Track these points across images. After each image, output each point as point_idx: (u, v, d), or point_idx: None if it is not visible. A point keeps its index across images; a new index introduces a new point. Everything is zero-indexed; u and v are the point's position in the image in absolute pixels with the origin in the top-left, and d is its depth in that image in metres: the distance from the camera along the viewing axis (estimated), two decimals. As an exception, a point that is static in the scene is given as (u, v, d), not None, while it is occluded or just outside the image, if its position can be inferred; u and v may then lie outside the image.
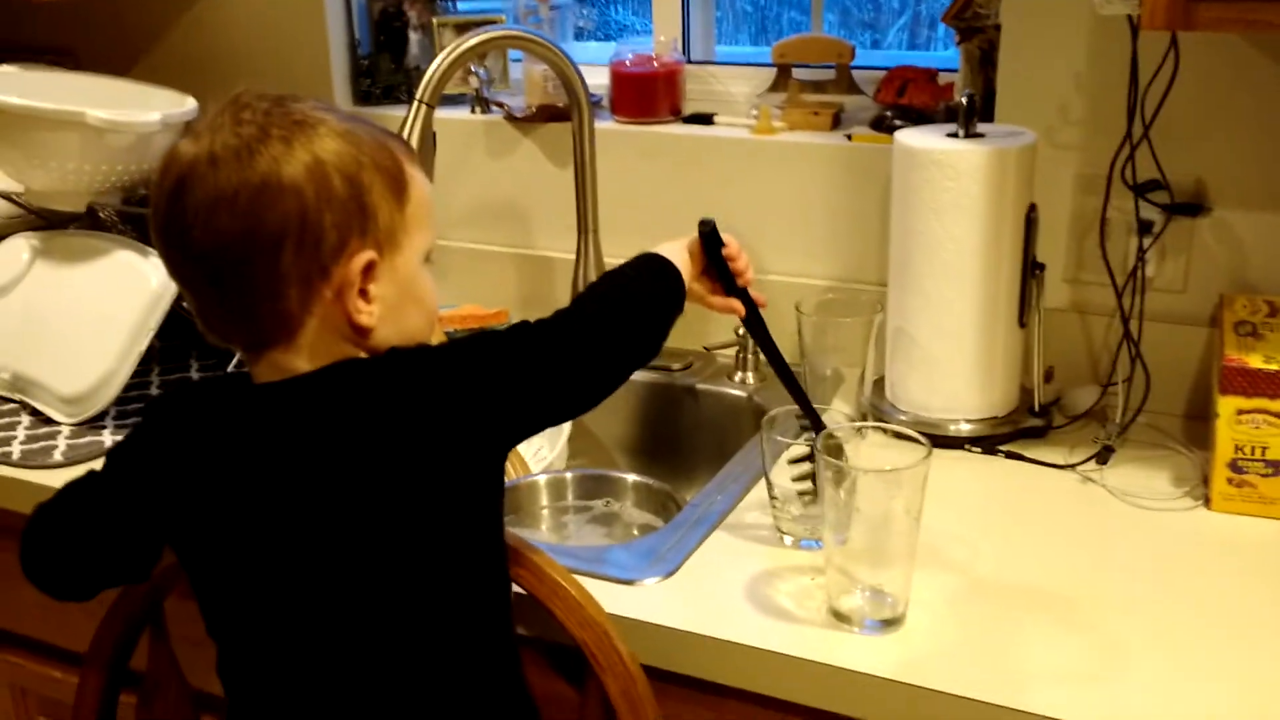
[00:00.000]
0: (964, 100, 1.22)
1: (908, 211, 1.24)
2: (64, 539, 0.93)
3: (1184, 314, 1.32)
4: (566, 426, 1.45)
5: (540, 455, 1.53)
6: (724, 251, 1.08)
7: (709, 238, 1.07)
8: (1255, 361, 1.09)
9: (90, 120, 1.39)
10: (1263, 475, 1.10)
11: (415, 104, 1.34)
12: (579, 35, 1.96)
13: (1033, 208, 1.24)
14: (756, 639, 0.95)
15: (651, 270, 1.03)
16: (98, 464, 0.94)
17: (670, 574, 1.04)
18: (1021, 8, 1.32)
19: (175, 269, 0.87)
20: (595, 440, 1.55)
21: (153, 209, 0.85)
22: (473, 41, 1.37)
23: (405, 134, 1.34)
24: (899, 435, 0.98)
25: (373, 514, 0.84)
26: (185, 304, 0.90)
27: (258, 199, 0.81)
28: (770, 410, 1.38)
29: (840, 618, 0.96)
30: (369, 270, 0.85)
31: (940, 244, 1.22)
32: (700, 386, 1.49)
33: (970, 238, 1.21)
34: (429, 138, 1.36)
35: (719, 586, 1.03)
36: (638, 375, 1.51)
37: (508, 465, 1.47)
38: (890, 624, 0.95)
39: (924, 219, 1.23)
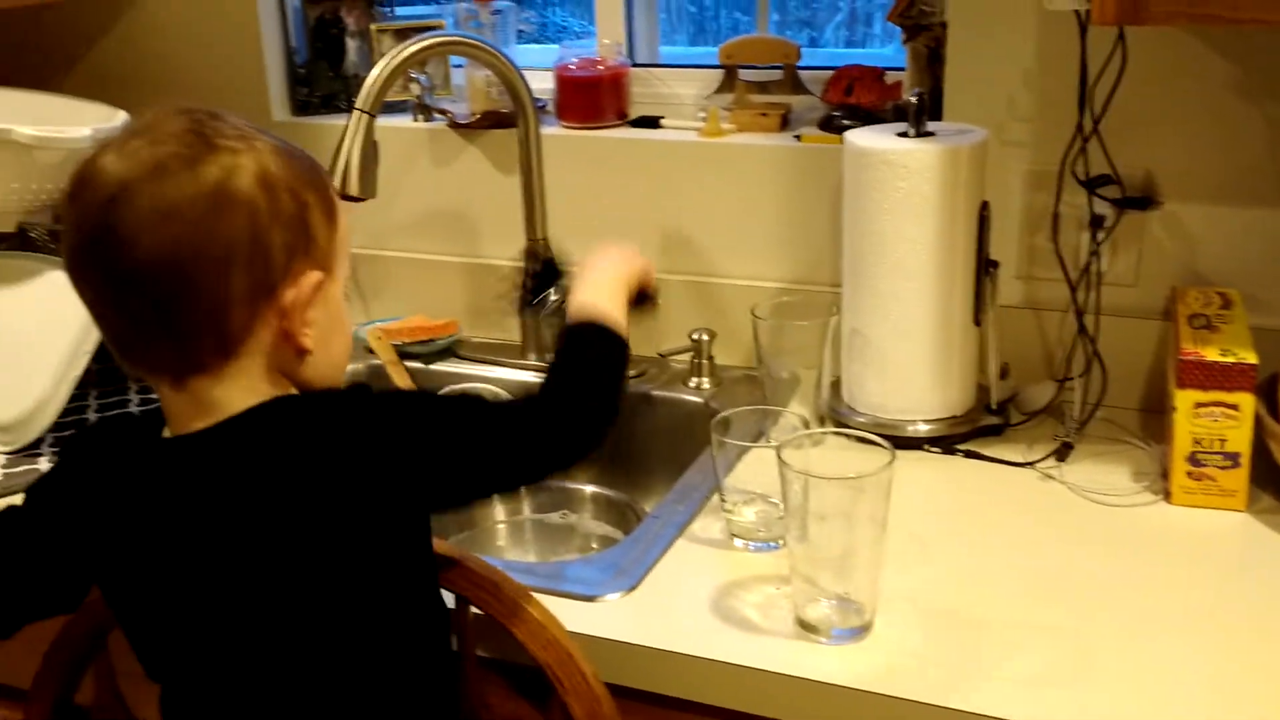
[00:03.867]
0: (913, 100, 1.21)
1: (860, 212, 1.23)
2: None
3: (1136, 307, 1.32)
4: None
5: (494, 468, 1.50)
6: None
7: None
8: (1211, 354, 1.09)
9: (18, 137, 1.34)
10: (1221, 468, 1.10)
11: (355, 113, 1.31)
12: (520, 38, 1.93)
13: (985, 205, 1.23)
14: (723, 653, 0.93)
15: (604, 341, 0.97)
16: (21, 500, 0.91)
17: (633, 588, 1.02)
18: (968, 5, 1.31)
19: (95, 291, 0.80)
20: (550, 451, 1.53)
21: (71, 227, 0.79)
22: (414, 48, 1.34)
23: (346, 145, 1.30)
24: (862, 440, 0.97)
25: (304, 563, 0.81)
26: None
27: (211, 209, 0.77)
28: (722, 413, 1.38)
29: (807, 627, 0.95)
30: (318, 290, 0.82)
31: (893, 244, 1.21)
32: (656, 393, 1.47)
33: (923, 237, 1.20)
34: (371, 148, 1.32)
35: (683, 599, 1.01)
36: (591, 384, 1.50)
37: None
38: (858, 633, 0.94)
39: (876, 219, 1.22)
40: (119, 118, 1.49)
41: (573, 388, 0.92)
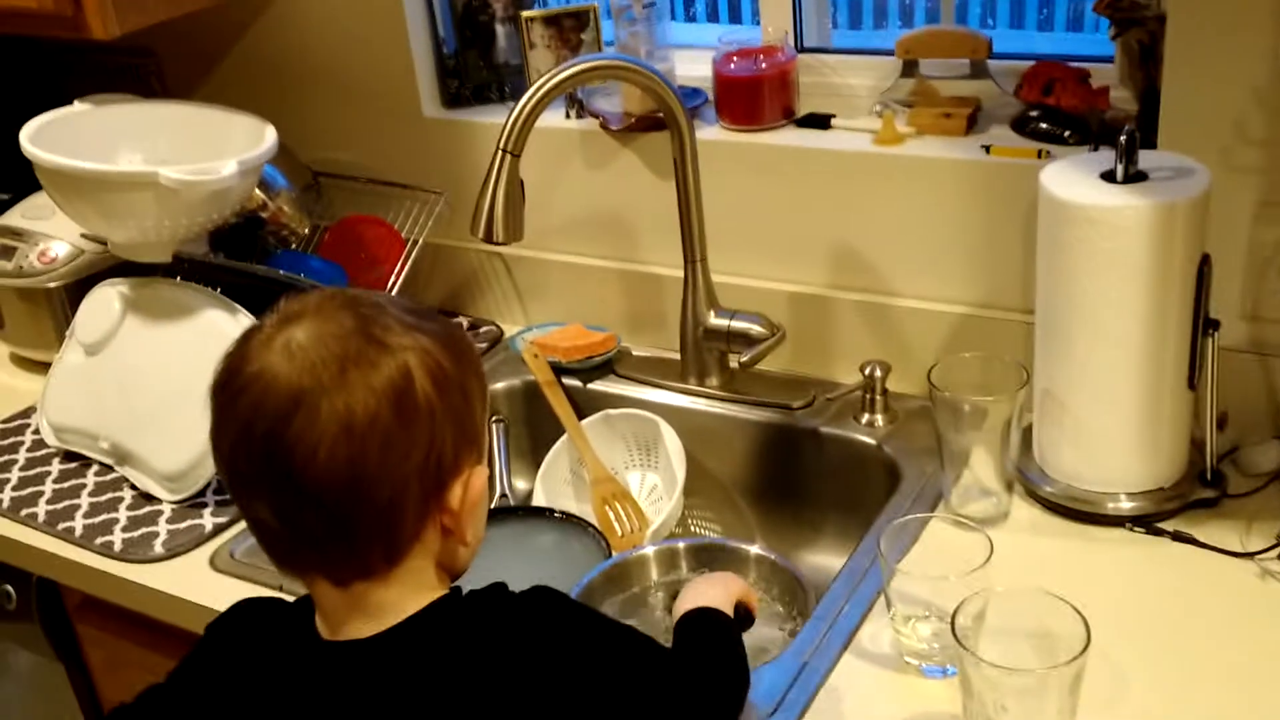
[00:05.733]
0: (1123, 139, 1.04)
1: (1056, 268, 1.08)
2: None
3: (1387, 358, 1.14)
4: (681, 473, 1.35)
5: (655, 495, 1.44)
6: None
7: None
8: None
9: (164, 181, 1.31)
10: None
11: (498, 154, 1.22)
12: (689, 5, 1.78)
13: (1205, 259, 1.06)
14: (890, 830, 0.85)
15: (714, 624, 0.94)
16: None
17: (795, 722, 0.95)
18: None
19: (261, 499, 0.75)
20: (713, 480, 1.45)
21: (236, 430, 0.73)
22: (556, 80, 1.23)
23: (489, 189, 1.22)
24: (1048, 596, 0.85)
25: None
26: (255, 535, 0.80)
27: (394, 422, 0.72)
28: (901, 468, 1.27)
29: (986, 806, 0.86)
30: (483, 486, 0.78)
31: (1095, 306, 1.07)
32: (824, 430, 1.36)
33: (1130, 300, 1.05)
34: (516, 189, 1.24)
35: (848, 743, 0.93)
36: (754, 414, 1.41)
37: (620, 514, 1.40)
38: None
39: (1075, 279, 1.07)
40: (266, 137, 1.44)
41: (708, 665, 0.89)
